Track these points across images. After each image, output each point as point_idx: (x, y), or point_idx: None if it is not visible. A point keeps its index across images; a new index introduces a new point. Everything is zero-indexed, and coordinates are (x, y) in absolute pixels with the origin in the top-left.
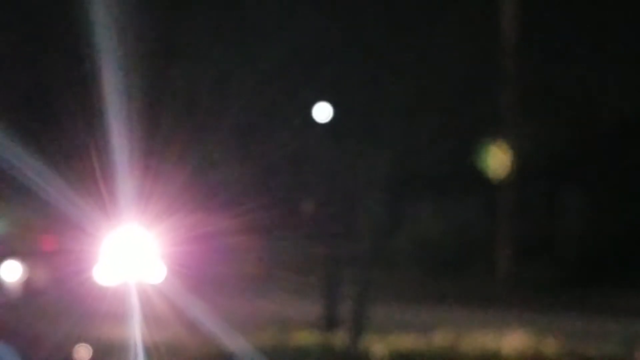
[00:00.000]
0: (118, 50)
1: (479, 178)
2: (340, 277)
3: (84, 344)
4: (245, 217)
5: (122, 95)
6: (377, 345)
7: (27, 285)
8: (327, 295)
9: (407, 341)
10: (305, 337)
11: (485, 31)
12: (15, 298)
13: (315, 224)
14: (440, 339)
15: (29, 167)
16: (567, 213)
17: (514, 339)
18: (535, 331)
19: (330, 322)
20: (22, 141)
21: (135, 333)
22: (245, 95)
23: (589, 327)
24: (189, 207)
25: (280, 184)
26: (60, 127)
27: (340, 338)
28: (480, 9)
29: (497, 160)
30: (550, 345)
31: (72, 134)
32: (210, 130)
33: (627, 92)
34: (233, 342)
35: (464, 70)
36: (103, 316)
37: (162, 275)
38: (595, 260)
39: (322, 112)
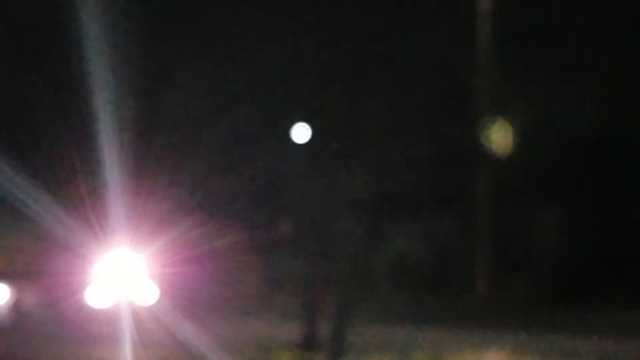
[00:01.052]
0: (111, 73)
1: (457, 198)
2: (319, 297)
3: None
4: (228, 238)
5: (114, 122)
6: None
7: (16, 308)
8: (306, 315)
9: None
10: (285, 357)
11: (460, 52)
12: (3, 321)
13: (294, 245)
14: (419, 358)
15: (20, 189)
16: (545, 232)
17: (493, 357)
18: (513, 349)
19: (309, 342)
20: (12, 163)
21: (127, 355)
22: (224, 117)
23: (566, 345)
24: (176, 230)
25: (259, 206)
26: (51, 151)
27: (319, 358)
28: (454, 31)
29: (474, 178)
30: None
31: (63, 157)
32: (193, 153)
33: (603, 110)
34: None
35: (441, 91)
36: (95, 338)
37: (154, 297)
38: (573, 278)
39: (301, 133)
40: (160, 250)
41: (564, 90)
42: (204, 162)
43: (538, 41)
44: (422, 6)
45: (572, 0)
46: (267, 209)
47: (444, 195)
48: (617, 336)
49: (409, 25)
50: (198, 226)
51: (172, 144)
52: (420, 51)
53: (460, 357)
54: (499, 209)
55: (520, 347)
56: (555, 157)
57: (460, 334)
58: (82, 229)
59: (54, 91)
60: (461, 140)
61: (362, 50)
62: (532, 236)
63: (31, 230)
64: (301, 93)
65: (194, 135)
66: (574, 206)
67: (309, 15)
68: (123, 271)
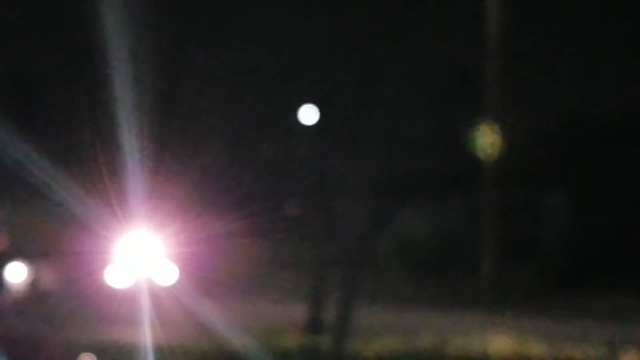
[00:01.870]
0: (130, 61)
1: (464, 181)
2: (326, 280)
3: (88, 354)
4: (239, 220)
5: (134, 106)
6: (362, 348)
7: (33, 287)
8: (312, 298)
9: (392, 344)
10: (291, 340)
11: (469, 36)
12: (20, 300)
13: (301, 227)
14: (425, 342)
15: (41, 169)
16: (551, 216)
17: (498, 342)
18: (519, 334)
19: (315, 325)
20: (33, 145)
21: (146, 335)
22: (234, 100)
23: (572, 330)
24: (195, 210)
25: (267, 187)
26: (71, 133)
27: (325, 341)
28: (463, 16)
29: (481, 162)
30: (534, 347)
31: (83, 138)
32: (209, 135)
33: (611, 96)
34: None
35: (449, 75)
36: (114, 318)
37: (174, 277)
38: (579, 263)
39: (308, 115)
40: (178, 230)
41: (571, 75)
42: (215, 145)
43: (547, 26)
44: None
45: None
46: (273, 190)
47: (450, 179)
48: (623, 321)
49: (419, 7)
50: (213, 208)
51: (188, 127)
52: (430, 34)
53: (465, 341)
54: (505, 193)
55: (526, 331)
56: (562, 141)
57: (465, 317)
58: (102, 209)
59: (76, 77)
60: (468, 123)
61: (371, 33)
62: (538, 220)
63: (50, 210)
64: (309, 75)
65: (207, 119)
66: (580, 191)
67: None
68: (142, 251)
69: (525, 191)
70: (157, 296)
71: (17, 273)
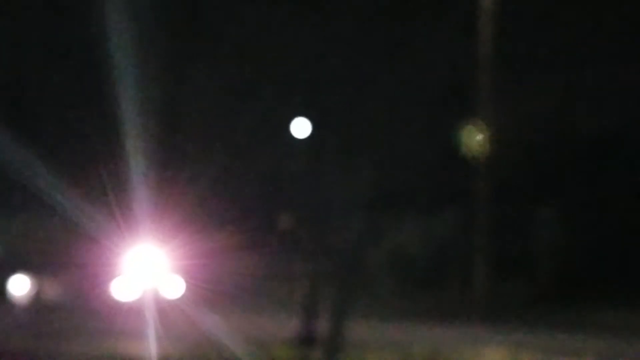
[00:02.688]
0: (136, 78)
1: (457, 195)
2: (318, 293)
3: None
4: (234, 234)
5: (138, 123)
6: None
7: (37, 300)
8: (304, 311)
9: (384, 357)
10: (283, 353)
11: (461, 51)
12: (23, 313)
13: (294, 241)
14: (417, 355)
15: (48, 182)
16: (544, 230)
17: (491, 355)
18: (512, 347)
19: (307, 338)
20: (40, 157)
21: (152, 348)
22: (227, 114)
23: (565, 343)
24: (196, 224)
25: (261, 201)
26: (78, 146)
27: (318, 354)
28: (455, 27)
29: (474, 177)
30: None
31: (89, 152)
32: (207, 150)
33: (602, 110)
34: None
35: (442, 90)
36: (119, 331)
37: (180, 289)
38: (572, 276)
39: (301, 128)
40: (183, 244)
41: (563, 88)
42: (212, 159)
43: (537, 39)
44: (423, 3)
45: None
46: (267, 204)
47: (443, 192)
48: (616, 334)
49: (410, 20)
50: (212, 221)
51: (190, 141)
52: (422, 47)
53: (458, 354)
54: (497, 206)
55: (519, 344)
56: (555, 156)
57: (458, 330)
58: (109, 223)
59: (81, 88)
60: (461, 137)
61: (363, 46)
62: (531, 233)
63: (57, 223)
64: (302, 88)
65: (204, 134)
66: (572, 204)
67: (310, 10)
68: (149, 264)
69: (518, 205)
70: (164, 309)
71: (21, 285)
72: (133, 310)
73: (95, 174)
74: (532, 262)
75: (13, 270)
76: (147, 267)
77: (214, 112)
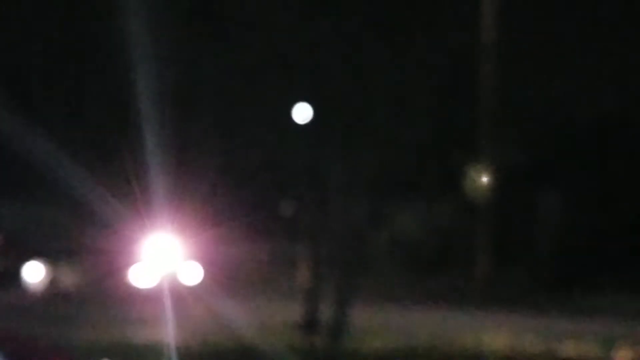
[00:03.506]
0: (150, 67)
1: (459, 180)
2: (321, 279)
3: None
4: (241, 221)
5: (153, 111)
6: (358, 346)
7: (52, 287)
8: (307, 297)
9: (387, 342)
10: (286, 339)
11: (464, 33)
12: (37, 300)
13: (296, 226)
14: (420, 340)
15: (65, 170)
16: (546, 215)
17: (493, 340)
18: (514, 331)
19: (310, 324)
20: (58, 146)
21: (169, 336)
22: (226, 98)
23: (567, 328)
24: (213, 211)
25: (262, 187)
26: (97, 135)
27: (319, 339)
28: (458, 11)
29: (477, 163)
30: (529, 345)
31: (109, 140)
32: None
33: (605, 96)
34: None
35: (445, 75)
36: (137, 318)
37: (198, 277)
38: (573, 261)
39: (302, 113)
40: (201, 230)
41: (567, 74)
42: (220, 146)
43: (541, 24)
44: None
45: None
46: (267, 189)
47: (447, 178)
48: (616, 318)
49: (413, 3)
50: (225, 209)
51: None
52: (424, 30)
53: (460, 339)
54: (501, 193)
55: (520, 329)
56: (557, 140)
57: (460, 316)
58: (127, 209)
59: (99, 78)
60: (463, 121)
61: (365, 30)
62: (533, 219)
63: (75, 210)
64: (303, 73)
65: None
66: (574, 190)
67: None
68: (167, 251)
69: (520, 191)
70: (182, 296)
71: (35, 272)
72: (151, 298)
73: (113, 161)
74: (533, 247)
75: (27, 257)
76: (165, 254)
77: (217, 98)
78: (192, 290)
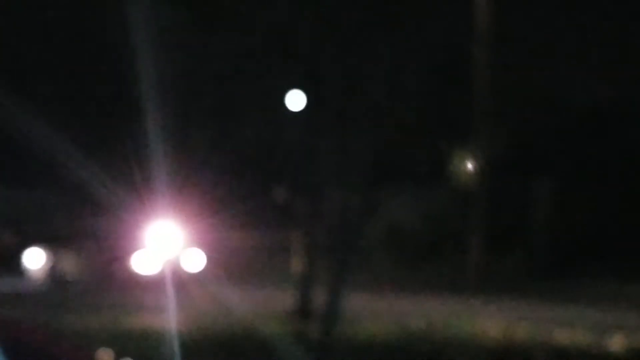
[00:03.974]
0: (153, 57)
1: (453, 168)
2: (315, 266)
3: (106, 349)
4: (237, 208)
5: (157, 101)
6: (352, 333)
7: (53, 274)
8: (300, 284)
9: (380, 329)
10: (279, 326)
11: (459, 21)
12: (38, 286)
13: (289, 214)
14: (413, 328)
15: (69, 157)
16: (538, 203)
17: (486, 327)
18: (507, 319)
19: (303, 311)
20: (63, 134)
21: (172, 322)
22: (221, 84)
23: (560, 315)
24: (215, 198)
25: (254, 174)
26: (100, 123)
27: (313, 327)
28: (453, 1)
29: (470, 151)
30: (522, 332)
31: (112, 128)
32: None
33: (597, 84)
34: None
35: (439, 62)
36: (139, 305)
37: (201, 263)
38: (566, 249)
39: (296, 100)
40: (204, 218)
41: (560, 61)
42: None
43: (535, 11)
44: None
45: None
46: (261, 177)
47: (440, 167)
48: (611, 306)
49: None
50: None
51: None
52: (418, 17)
53: (454, 326)
54: (494, 181)
55: (514, 317)
56: (549, 131)
57: (454, 303)
58: (130, 197)
59: (100, 65)
60: (457, 109)
61: (359, 17)
62: (526, 206)
63: (77, 198)
64: (296, 60)
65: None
66: (568, 177)
67: None
68: (169, 238)
69: (513, 179)
70: (184, 283)
71: (36, 259)
72: (153, 284)
73: (115, 149)
74: (527, 234)
75: (29, 243)
76: (168, 241)
77: (210, 84)
78: (195, 276)
